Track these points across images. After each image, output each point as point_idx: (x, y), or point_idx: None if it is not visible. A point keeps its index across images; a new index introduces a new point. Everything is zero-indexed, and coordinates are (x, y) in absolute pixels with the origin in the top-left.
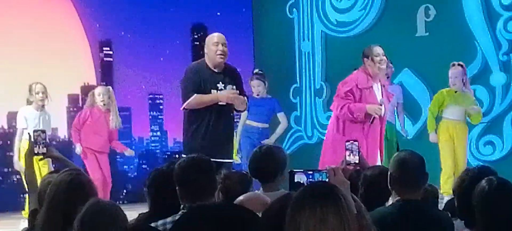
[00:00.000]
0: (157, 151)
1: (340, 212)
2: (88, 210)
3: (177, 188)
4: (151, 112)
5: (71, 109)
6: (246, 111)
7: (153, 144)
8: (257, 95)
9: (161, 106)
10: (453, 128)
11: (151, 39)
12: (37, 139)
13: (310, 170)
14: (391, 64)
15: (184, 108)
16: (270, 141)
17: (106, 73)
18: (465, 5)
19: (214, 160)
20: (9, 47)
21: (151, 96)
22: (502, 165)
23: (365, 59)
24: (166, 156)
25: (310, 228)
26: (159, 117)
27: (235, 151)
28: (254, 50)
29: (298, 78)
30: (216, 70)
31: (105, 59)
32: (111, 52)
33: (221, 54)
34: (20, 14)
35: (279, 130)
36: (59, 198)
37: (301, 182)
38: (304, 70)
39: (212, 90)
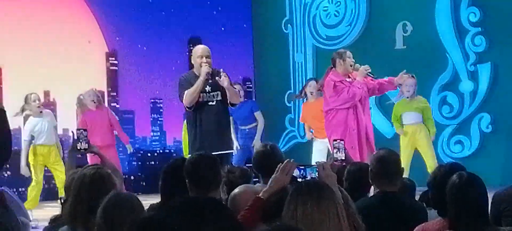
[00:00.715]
0: (157, 149)
1: (334, 199)
2: (109, 200)
3: (186, 181)
4: (152, 115)
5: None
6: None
7: (154, 143)
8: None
9: (161, 110)
10: (412, 131)
11: (153, 50)
12: (79, 137)
13: (302, 165)
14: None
15: (187, 107)
16: (257, 139)
17: (112, 80)
18: (438, 22)
19: (214, 153)
20: (28, 53)
21: (152, 100)
22: (470, 161)
23: (337, 60)
24: (165, 153)
25: (306, 210)
26: (159, 118)
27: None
28: (254, 60)
29: (292, 85)
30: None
31: (111, 68)
32: (116, 62)
33: (206, 63)
34: (43, 26)
35: (259, 128)
36: (82, 190)
37: (295, 175)
38: (297, 78)
39: (201, 93)
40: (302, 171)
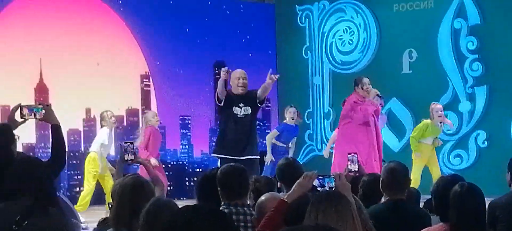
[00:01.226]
0: (185, 160)
1: (350, 206)
2: (151, 205)
3: (218, 189)
4: (181, 130)
5: (118, 127)
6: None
7: (182, 155)
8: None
9: (189, 125)
10: (428, 150)
11: (183, 72)
12: (127, 149)
13: (321, 175)
14: (382, 100)
15: (218, 99)
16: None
17: (146, 99)
18: (440, 50)
19: (226, 156)
20: (72, 74)
21: (181, 117)
22: (468, 173)
23: (356, 86)
24: (193, 164)
25: (327, 217)
26: (188, 133)
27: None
28: (277, 83)
29: (311, 104)
30: (236, 95)
31: (144, 88)
32: (149, 83)
33: (241, 86)
34: (88, 50)
35: (292, 149)
36: (125, 196)
37: (314, 184)
38: (315, 98)
39: (233, 107)
40: (321, 180)
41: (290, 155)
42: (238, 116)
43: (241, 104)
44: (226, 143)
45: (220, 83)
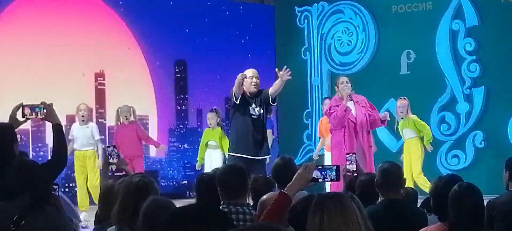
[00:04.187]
0: None
1: (354, 206)
2: (149, 204)
3: (218, 188)
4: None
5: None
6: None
7: None
8: None
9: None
10: (408, 145)
11: (193, 69)
12: (111, 153)
13: (320, 165)
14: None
15: (235, 97)
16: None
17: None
18: (437, 51)
19: (246, 156)
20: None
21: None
22: (465, 173)
23: (335, 86)
24: None
25: (332, 218)
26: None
27: None
28: None
29: (309, 105)
30: (250, 95)
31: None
32: (104, 82)
33: (255, 85)
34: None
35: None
36: (128, 195)
37: (315, 176)
38: (314, 98)
39: (249, 107)
40: (321, 171)
41: None
42: (253, 116)
43: (254, 105)
44: (246, 143)
45: (237, 83)
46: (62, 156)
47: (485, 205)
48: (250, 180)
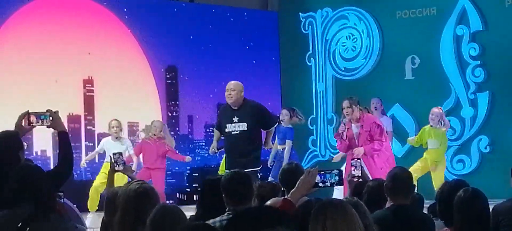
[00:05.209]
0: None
1: (355, 212)
2: (157, 211)
3: (223, 195)
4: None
5: None
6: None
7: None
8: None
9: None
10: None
11: (187, 78)
12: (117, 160)
13: (322, 170)
14: (380, 101)
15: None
16: (286, 157)
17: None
18: (442, 56)
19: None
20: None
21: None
22: (470, 178)
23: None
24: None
25: (335, 223)
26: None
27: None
28: (281, 90)
29: (314, 111)
30: (234, 107)
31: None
32: (92, 88)
33: (228, 97)
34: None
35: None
36: (129, 203)
37: (316, 181)
38: (319, 104)
39: (227, 124)
40: (322, 177)
41: (285, 157)
42: (233, 132)
43: (236, 118)
44: (230, 160)
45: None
46: (68, 163)
47: (490, 210)
48: (255, 186)
